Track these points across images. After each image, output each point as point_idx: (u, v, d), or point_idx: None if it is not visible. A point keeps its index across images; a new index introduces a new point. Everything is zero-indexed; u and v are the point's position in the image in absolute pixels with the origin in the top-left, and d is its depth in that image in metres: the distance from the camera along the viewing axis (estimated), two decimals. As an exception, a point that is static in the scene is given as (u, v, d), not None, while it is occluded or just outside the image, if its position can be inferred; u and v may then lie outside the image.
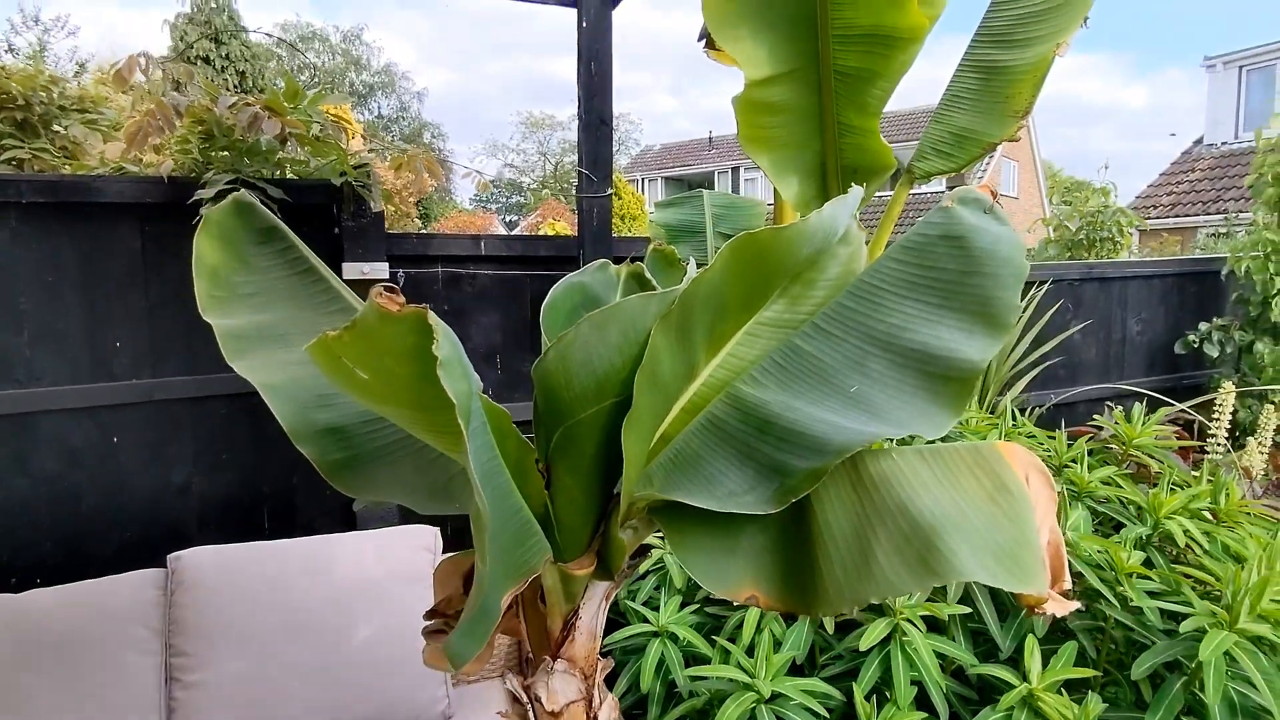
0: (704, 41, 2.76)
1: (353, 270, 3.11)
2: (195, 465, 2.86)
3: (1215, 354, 4.48)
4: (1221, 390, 3.59)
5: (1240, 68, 14.62)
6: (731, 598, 0.87)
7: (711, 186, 25.09)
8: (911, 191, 2.87)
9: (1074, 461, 2.27)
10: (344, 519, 3.11)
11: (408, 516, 3.04)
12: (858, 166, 2.56)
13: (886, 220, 2.59)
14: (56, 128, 3.26)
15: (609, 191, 3.20)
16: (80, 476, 2.70)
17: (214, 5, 26.15)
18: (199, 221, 1.07)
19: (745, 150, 2.57)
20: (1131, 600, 1.78)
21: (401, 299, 0.62)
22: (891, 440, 0.88)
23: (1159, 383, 4.66)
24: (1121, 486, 2.18)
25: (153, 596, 2.44)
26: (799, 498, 0.84)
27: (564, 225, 16.11)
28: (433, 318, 0.62)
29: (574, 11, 3.12)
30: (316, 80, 36.03)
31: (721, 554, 0.88)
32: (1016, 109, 2.32)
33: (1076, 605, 0.76)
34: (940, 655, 1.80)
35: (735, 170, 27.34)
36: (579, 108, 3.16)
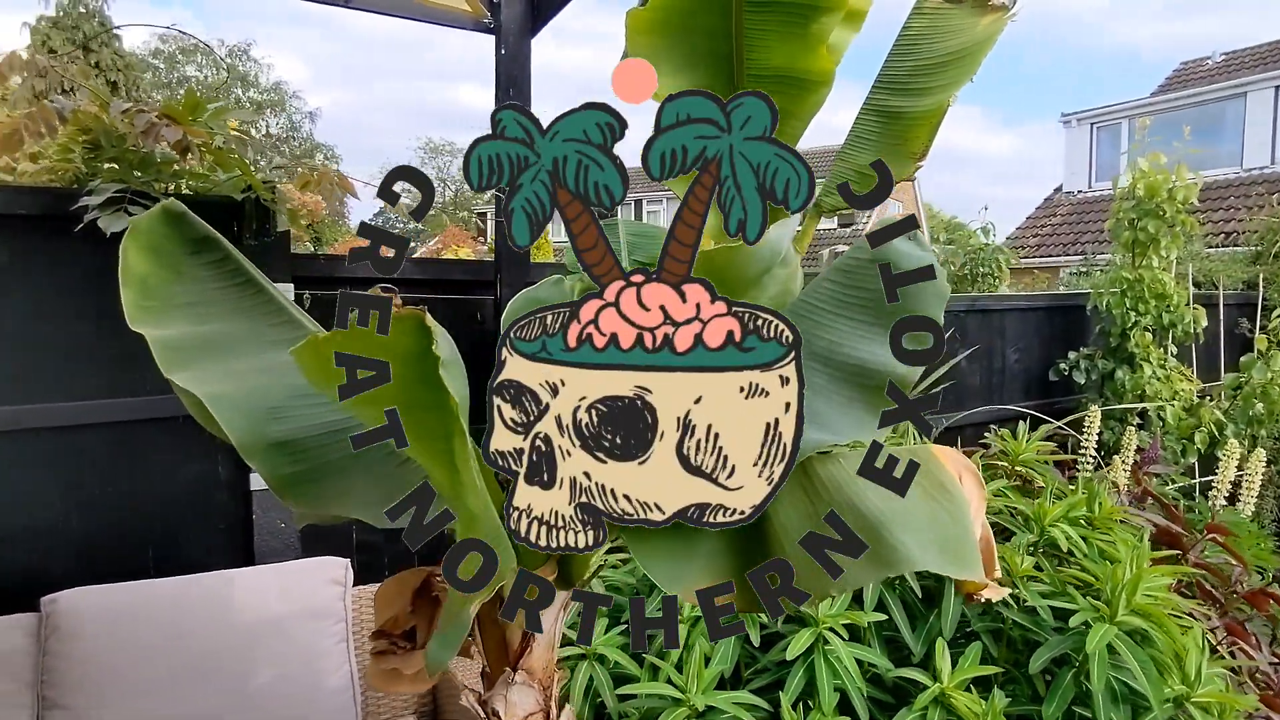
0: (621, 75, 2.84)
1: (255, 291, 2.98)
2: (70, 499, 2.63)
3: (1083, 380, 4.92)
4: (1089, 412, 3.94)
5: (1091, 125, 16.24)
6: (689, 599, 0.90)
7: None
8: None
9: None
10: (240, 554, 2.93)
11: (310, 548, 2.90)
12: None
13: (798, 247, 2.73)
14: (-86, 132, 2.98)
15: (526, 217, 3.21)
16: (-66, 514, 2.44)
17: (82, 10, 24.50)
18: (123, 233, 1.02)
19: (668, 185, 2.65)
20: (1026, 601, 1.93)
21: (399, 300, 0.63)
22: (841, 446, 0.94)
23: (1035, 406, 5.05)
24: (1010, 497, 2.37)
25: (23, 644, 2.22)
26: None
27: (468, 250, 15.90)
28: (430, 319, 0.63)
29: (491, 39, 3.14)
30: (201, 95, 34.18)
31: (681, 557, 0.91)
32: (913, 151, 2.51)
33: (1009, 591, 0.84)
34: (860, 662, 1.88)
35: (638, 203, 27.93)
36: (496, 134, 3.17)
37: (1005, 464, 2.70)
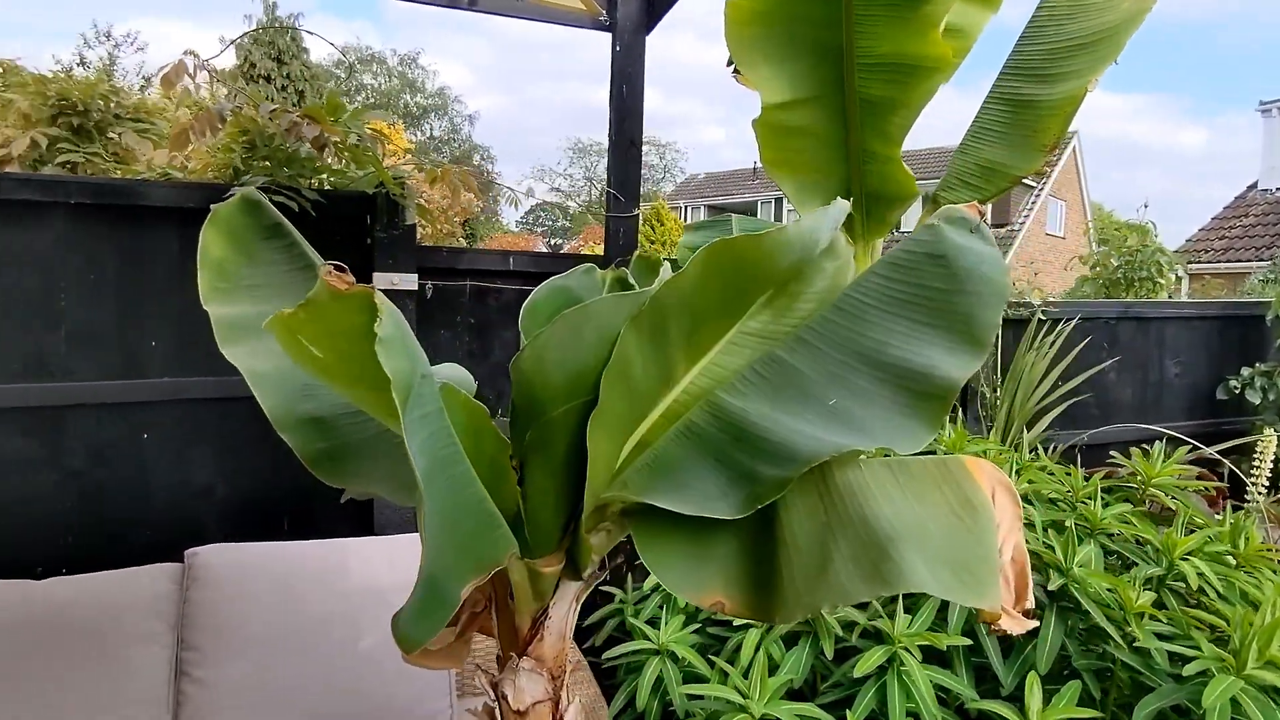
0: (732, 67, 2.80)
1: (383, 280, 3.18)
2: (218, 465, 2.93)
3: (1258, 400, 4.33)
4: (1263, 437, 3.46)
5: (1298, 113, 14.29)
6: (699, 603, 0.87)
7: (755, 215, 25.09)
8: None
9: (1089, 498, 2.22)
10: (362, 526, 3.15)
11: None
12: (881, 194, 2.56)
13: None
14: (111, 134, 3.42)
15: (636, 212, 3.24)
16: (107, 472, 2.78)
17: (278, 27, 27.28)
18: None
19: (769, 174, 2.59)
20: (1138, 641, 1.72)
21: (351, 279, 0.65)
22: (869, 452, 0.88)
23: (1198, 427, 4.51)
24: (1135, 525, 2.12)
25: (168, 591, 2.48)
26: (765, 504, 0.84)
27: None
28: (379, 298, 0.64)
29: (609, 36, 3.19)
30: (373, 101, 37.25)
31: (693, 560, 0.88)
32: (1044, 143, 2.30)
33: (1033, 624, 0.75)
34: (939, 688, 1.76)
35: (779, 201, 27.37)
36: (610, 129, 3.22)
37: (1136, 487, 2.42)
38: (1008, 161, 2.41)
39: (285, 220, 1.10)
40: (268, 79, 26.75)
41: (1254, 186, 15.09)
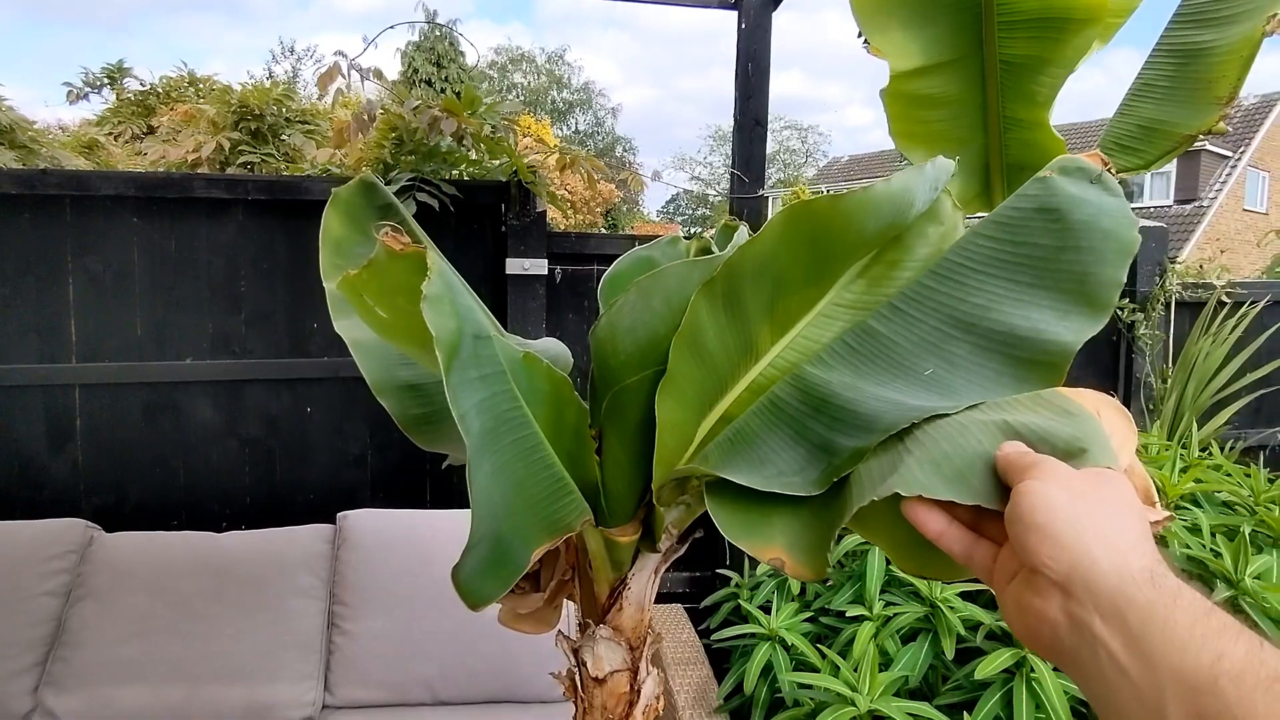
0: (863, 38, 2.67)
1: (515, 265, 3.32)
2: (370, 437, 3.18)
3: None
4: None
5: None
6: (757, 555, 0.82)
7: (901, 198, 23.89)
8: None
9: (1273, 503, 1.93)
10: (494, 498, 3.31)
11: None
12: (1025, 164, 2.35)
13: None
14: (283, 136, 3.79)
15: (760, 192, 3.18)
16: (278, 440, 3.09)
17: (438, 33, 29.03)
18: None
19: (898, 146, 2.45)
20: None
21: (406, 239, 0.67)
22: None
23: None
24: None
25: (323, 550, 2.73)
26: (841, 476, 0.80)
27: (741, 235, 16.12)
28: (432, 257, 0.67)
29: (734, 15, 3.14)
30: (522, 98, 38.87)
31: (757, 516, 0.85)
32: (1219, 95, 2.03)
33: (1169, 515, 0.65)
34: (1077, 699, 1.60)
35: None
36: (735, 109, 3.17)
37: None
38: (1175, 119, 2.14)
39: (395, 200, 1.17)
40: (428, 82, 28.59)
41: None
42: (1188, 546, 1.78)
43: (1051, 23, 2.04)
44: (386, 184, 3.03)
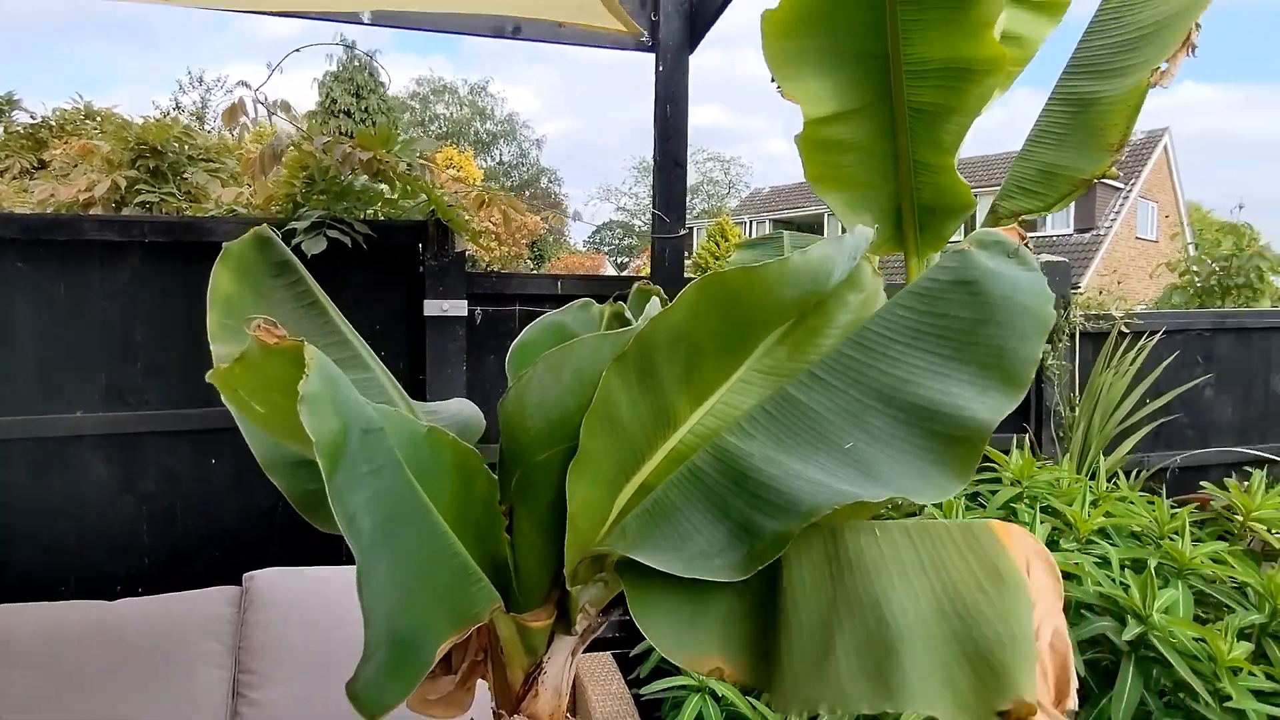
0: (776, 83, 2.72)
1: (433, 308, 3.23)
2: (278, 490, 3.00)
3: (1379, 418, 3.91)
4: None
5: None
6: (695, 669, 0.80)
7: (820, 229, 24.73)
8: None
9: (1177, 534, 2.02)
10: (415, 549, 3.18)
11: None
12: (935, 206, 2.43)
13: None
14: (185, 174, 3.60)
15: (681, 232, 3.19)
16: (178, 496, 2.89)
17: (357, 63, 28.62)
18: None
19: (814, 190, 2.50)
20: (1232, 700, 1.54)
21: (282, 332, 0.62)
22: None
23: (1311, 449, 4.13)
24: (1232, 565, 1.91)
25: (227, 614, 2.55)
26: (766, 564, 0.77)
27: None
28: (310, 352, 0.61)
29: (652, 56, 3.16)
30: (445, 129, 38.56)
31: (687, 617, 0.82)
32: (1110, 142, 2.14)
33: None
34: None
35: (831, 214, 26.86)
36: (655, 150, 3.19)
37: (1234, 521, 2.19)
38: (1072, 164, 2.25)
39: (293, 256, 1.09)
40: (347, 113, 28.06)
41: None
42: (1099, 583, 1.82)
43: (955, 73, 2.12)
44: (295, 221, 2.93)
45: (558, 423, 0.81)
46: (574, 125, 66.14)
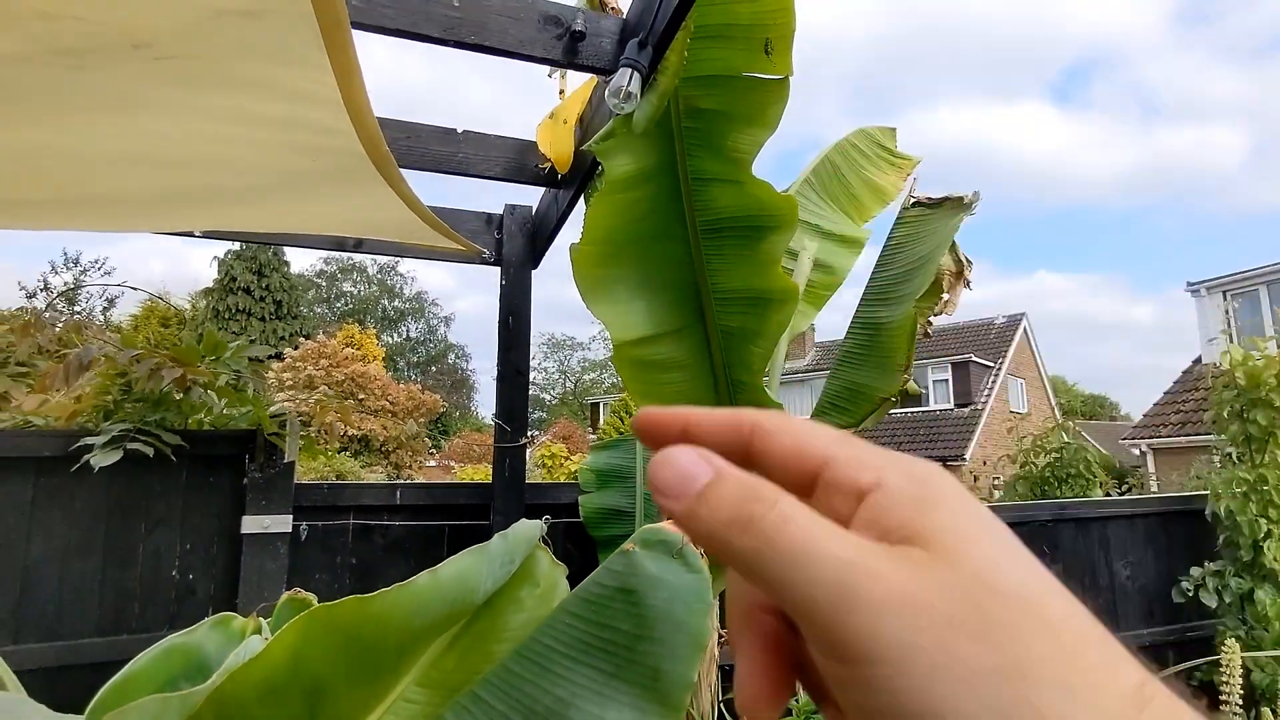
0: (588, 305, 2.81)
1: (253, 524, 2.98)
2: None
3: (1214, 603, 4.03)
4: (1225, 649, 3.17)
5: (1225, 292, 15.07)
6: None
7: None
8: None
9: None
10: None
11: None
12: (754, 422, 2.46)
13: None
14: (-9, 379, 3.33)
15: (523, 441, 3.13)
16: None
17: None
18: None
19: (636, 406, 2.50)
20: None
21: None
22: None
23: (1163, 634, 4.20)
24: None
25: None
26: None
27: (559, 447, 16.22)
28: None
29: (498, 269, 3.24)
30: (351, 307, 38.68)
31: None
32: (899, 364, 2.26)
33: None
34: None
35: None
36: (498, 359, 3.18)
37: None
38: (871, 383, 2.35)
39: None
40: (247, 290, 27.86)
41: (1198, 361, 15.58)
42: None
43: (755, 301, 2.22)
44: (93, 436, 2.71)
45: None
46: (486, 301, 67.84)
